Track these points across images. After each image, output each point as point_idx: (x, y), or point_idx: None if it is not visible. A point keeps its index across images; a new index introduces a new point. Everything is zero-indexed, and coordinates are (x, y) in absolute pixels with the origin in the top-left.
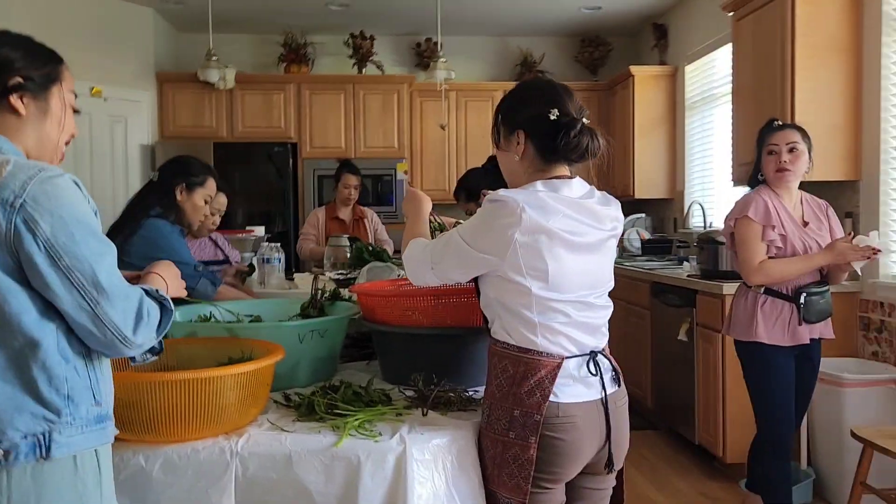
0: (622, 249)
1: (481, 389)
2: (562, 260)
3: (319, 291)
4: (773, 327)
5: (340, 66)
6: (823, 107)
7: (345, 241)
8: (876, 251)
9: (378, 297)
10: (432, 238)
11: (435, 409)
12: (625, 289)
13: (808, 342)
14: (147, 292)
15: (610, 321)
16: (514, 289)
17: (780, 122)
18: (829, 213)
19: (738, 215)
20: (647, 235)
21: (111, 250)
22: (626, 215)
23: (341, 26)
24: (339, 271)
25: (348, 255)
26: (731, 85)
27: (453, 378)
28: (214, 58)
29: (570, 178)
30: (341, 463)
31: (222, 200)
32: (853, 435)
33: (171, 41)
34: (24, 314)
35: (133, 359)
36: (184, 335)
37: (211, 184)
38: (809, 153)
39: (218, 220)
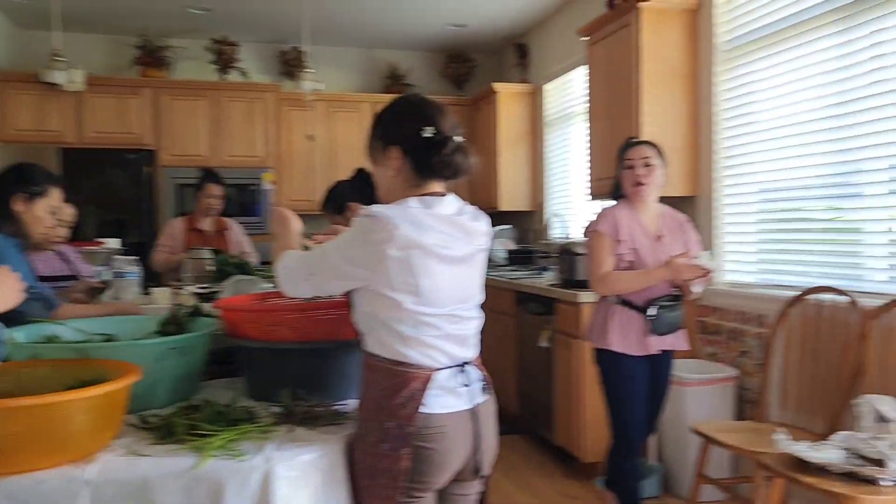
0: (489, 260)
1: (350, 403)
2: (434, 275)
3: (178, 307)
4: (625, 337)
5: (202, 72)
6: (667, 128)
7: (206, 254)
8: (707, 271)
9: (242, 311)
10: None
11: (303, 424)
12: (491, 298)
13: (656, 353)
14: None
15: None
16: (387, 303)
17: (637, 139)
18: (688, 227)
19: (591, 228)
20: (511, 246)
21: None
22: (491, 226)
23: (202, 30)
24: (201, 285)
25: (210, 267)
26: (586, 104)
27: (322, 393)
28: (61, 58)
29: (444, 194)
30: (203, 485)
31: (69, 211)
32: (694, 430)
33: (11, 38)
34: None
35: None
36: (26, 357)
37: (55, 193)
38: (665, 167)
39: (64, 232)
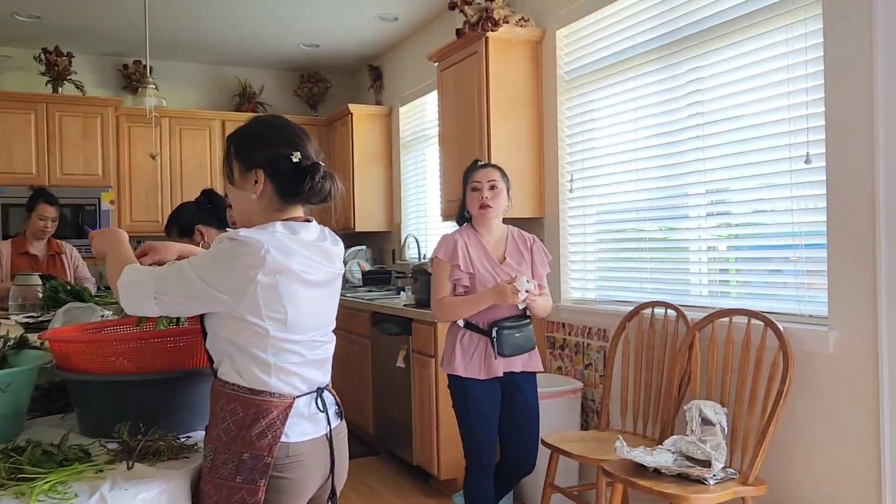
0: (344, 281)
1: (195, 434)
2: (300, 302)
3: (2, 339)
4: (470, 361)
5: (31, 83)
6: (514, 152)
7: (35, 279)
8: (528, 296)
9: (75, 343)
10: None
11: (142, 460)
12: (347, 319)
13: (500, 375)
14: None
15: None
16: (251, 330)
17: (483, 162)
18: (535, 248)
19: (433, 255)
20: (367, 267)
21: None
22: (347, 248)
23: (32, 39)
24: (29, 314)
25: (40, 294)
26: (438, 128)
27: (164, 425)
28: None
29: (308, 220)
30: None
31: None
32: (543, 442)
33: None
34: None
35: None
36: None
37: None
38: (508, 191)
39: None
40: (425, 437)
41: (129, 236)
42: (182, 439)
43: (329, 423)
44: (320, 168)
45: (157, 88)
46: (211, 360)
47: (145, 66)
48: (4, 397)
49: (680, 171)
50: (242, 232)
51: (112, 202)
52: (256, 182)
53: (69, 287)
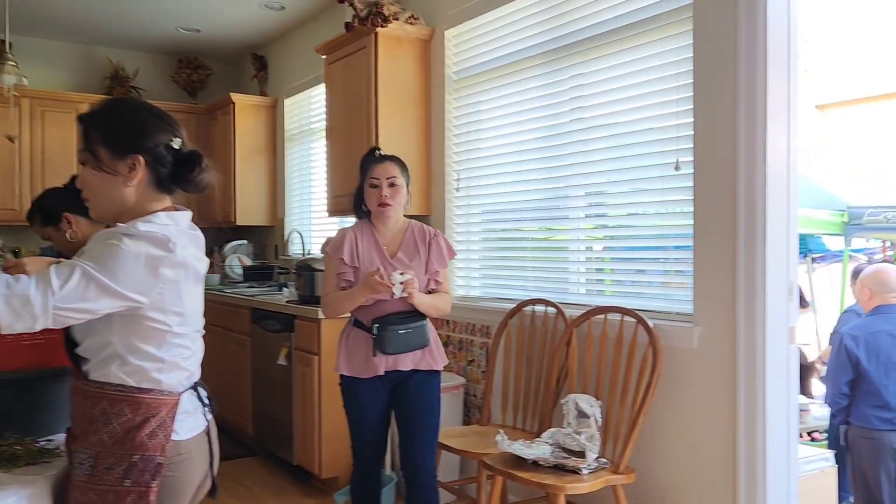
0: (223, 276)
1: (59, 438)
2: (192, 294)
3: None
4: (351, 359)
5: None
6: (402, 150)
7: None
8: (394, 285)
9: None
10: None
11: None
12: (225, 316)
13: (381, 373)
14: None
15: (209, 349)
16: (149, 327)
17: (381, 153)
18: (434, 243)
19: (325, 250)
20: (248, 262)
21: None
22: (227, 242)
23: None
24: None
25: None
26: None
27: (22, 428)
28: None
29: (185, 209)
30: None
31: None
32: None
33: None
34: None
35: None
36: None
37: None
38: (408, 186)
39: None
40: (307, 435)
41: None
42: (41, 443)
43: (206, 417)
44: (202, 157)
45: (16, 66)
46: (76, 363)
47: (3, 42)
48: None
49: (562, 174)
50: (142, 227)
51: None
52: (133, 169)
53: None
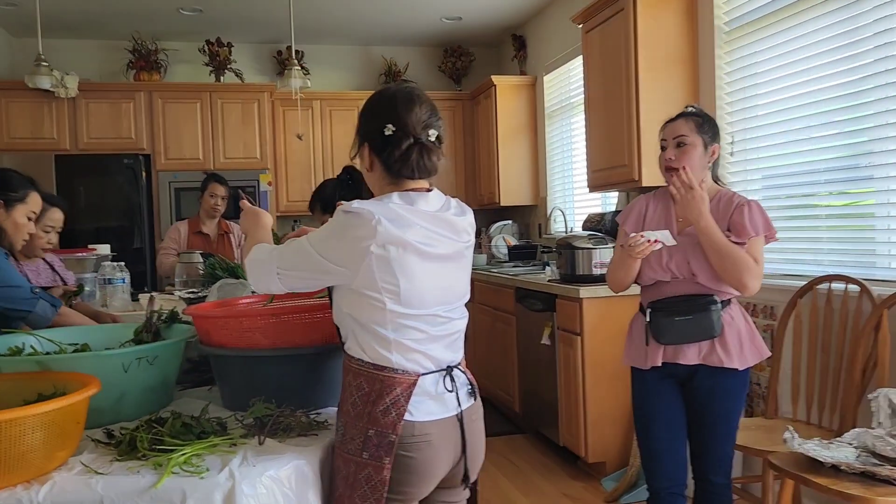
0: (490, 256)
1: (326, 411)
2: (416, 274)
3: (155, 314)
4: (633, 347)
5: (196, 74)
6: (667, 115)
7: (197, 257)
8: (650, 242)
9: (212, 318)
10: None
11: (273, 436)
12: (491, 295)
13: (659, 365)
14: None
15: (477, 328)
16: (368, 304)
17: (688, 109)
18: (737, 212)
19: None
20: (513, 241)
21: None
22: (492, 222)
23: (195, 32)
24: (191, 289)
25: (201, 271)
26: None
27: (299, 401)
28: (45, 63)
29: (428, 190)
30: None
31: (56, 217)
32: None
33: (3, 47)
34: None
35: None
36: None
37: (34, 199)
38: (710, 145)
39: (54, 237)
40: (572, 417)
41: (286, 216)
42: (312, 415)
43: (460, 404)
44: (403, 140)
45: (305, 71)
46: (340, 335)
47: (289, 49)
48: (152, 370)
49: (864, 126)
50: (356, 203)
51: (270, 183)
52: (364, 157)
53: (225, 264)
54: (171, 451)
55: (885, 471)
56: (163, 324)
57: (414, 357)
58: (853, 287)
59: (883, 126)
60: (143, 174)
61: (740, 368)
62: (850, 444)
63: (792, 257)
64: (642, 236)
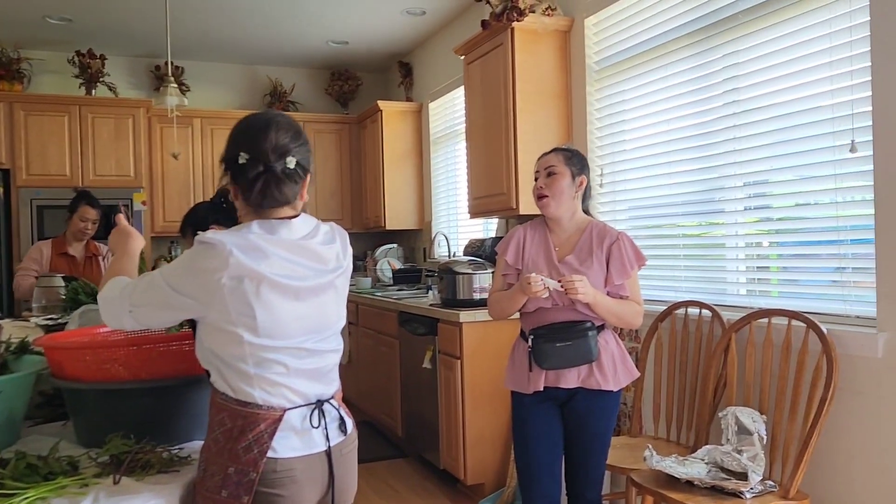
0: (375, 279)
1: (190, 445)
2: (274, 306)
3: (2, 344)
4: (514, 371)
5: (64, 86)
6: (542, 147)
7: (59, 281)
8: (564, 283)
9: (65, 350)
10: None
11: (131, 474)
12: (374, 318)
13: (541, 389)
14: None
15: (360, 352)
16: (226, 338)
17: (560, 146)
18: (615, 248)
19: None
20: (397, 265)
21: None
22: (377, 245)
23: (64, 42)
24: (50, 315)
25: (62, 296)
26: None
27: (162, 435)
28: None
29: (293, 216)
30: None
31: None
32: None
33: None
34: None
35: None
36: None
37: None
38: (577, 176)
39: None
40: (452, 440)
41: (162, 237)
42: (174, 451)
43: (328, 439)
44: (253, 169)
45: (185, 87)
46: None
47: (167, 65)
48: None
49: (716, 164)
50: (209, 234)
51: (144, 203)
52: (228, 183)
53: (90, 289)
54: (12, 495)
55: (732, 484)
56: (11, 355)
57: (279, 391)
58: (706, 312)
59: (731, 164)
60: (1, 190)
61: (615, 390)
62: (703, 460)
63: (654, 283)
64: (541, 280)
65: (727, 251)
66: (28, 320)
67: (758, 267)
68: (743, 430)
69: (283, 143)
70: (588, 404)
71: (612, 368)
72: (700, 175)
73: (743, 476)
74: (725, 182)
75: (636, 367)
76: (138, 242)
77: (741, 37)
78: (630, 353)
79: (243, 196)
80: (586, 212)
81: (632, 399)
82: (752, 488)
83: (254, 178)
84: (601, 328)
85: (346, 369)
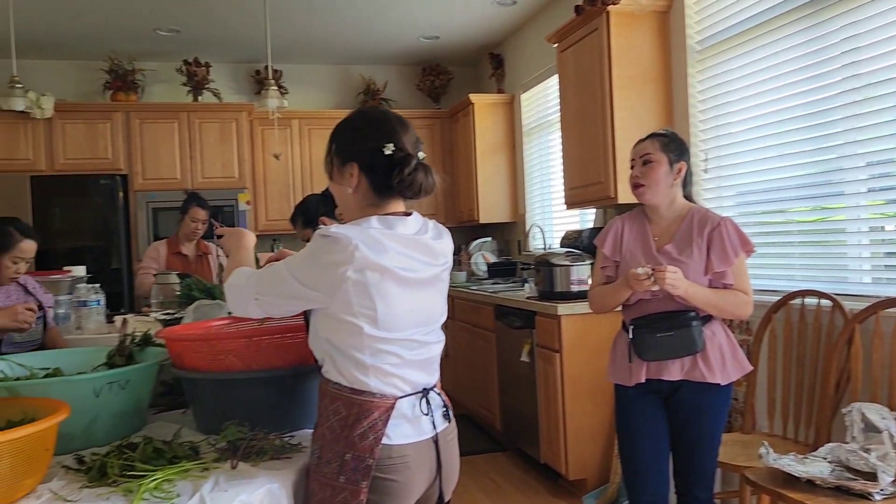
0: (469, 273)
1: (300, 433)
2: (393, 299)
3: (128, 337)
4: (615, 363)
5: (174, 94)
6: (640, 132)
7: (174, 278)
8: (655, 270)
9: (184, 341)
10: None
11: (247, 459)
12: (471, 312)
13: (642, 381)
14: None
15: (457, 346)
16: (345, 329)
17: (657, 131)
18: (716, 233)
19: None
20: (492, 259)
21: None
22: (471, 240)
23: (173, 53)
24: (167, 311)
25: (177, 292)
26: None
27: (272, 423)
28: (19, 84)
29: (407, 214)
30: None
31: (27, 247)
32: None
33: None
34: None
35: None
36: None
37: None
38: (675, 163)
39: (23, 268)
40: (552, 434)
41: (265, 235)
42: (286, 438)
43: (435, 426)
44: (412, 160)
45: (283, 90)
46: (315, 359)
47: (267, 69)
48: (124, 394)
49: (833, 143)
50: (333, 228)
51: (248, 202)
52: (352, 176)
53: (202, 285)
54: (142, 476)
55: (859, 485)
56: (136, 347)
57: (391, 381)
58: (826, 302)
59: (852, 143)
60: (121, 194)
61: (723, 384)
62: (825, 459)
63: (766, 273)
64: (650, 277)
65: (848, 236)
66: (147, 315)
67: (885, 253)
68: (870, 428)
69: (416, 136)
70: (694, 398)
71: (720, 361)
72: (815, 156)
73: (871, 476)
74: (845, 163)
75: (748, 360)
76: (250, 239)
77: (861, 6)
78: (741, 346)
79: (376, 187)
80: (689, 198)
81: (744, 394)
82: (882, 489)
83: (412, 167)
84: (708, 318)
85: (443, 363)
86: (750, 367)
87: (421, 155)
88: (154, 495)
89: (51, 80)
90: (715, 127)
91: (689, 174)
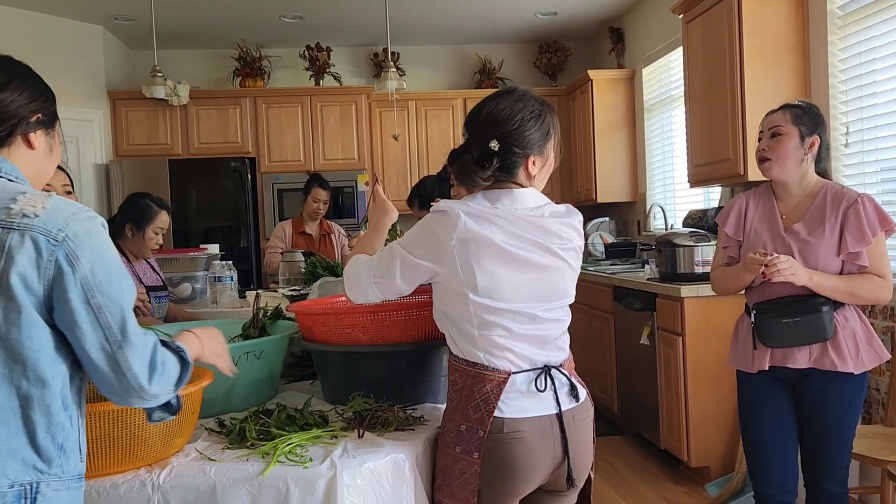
0: (587, 254)
1: (423, 407)
2: (492, 268)
3: (261, 310)
4: (738, 349)
5: (297, 79)
6: (772, 105)
7: (299, 256)
8: (767, 264)
9: (314, 315)
10: None
11: (372, 429)
12: (587, 293)
13: (765, 368)
14: (163, 343)
15: (573, 327)
16: (455, 299)
17: (791, 102)
18: (852, 210)
19: None
20: (610, 239)
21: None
22: (589, 219)
23: (296, 39)
24: (293, 287)
25: (302, 270)
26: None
27: (396, 396)
28: (160, 74)
29: (518, 186)
30: (269, 492)
31: (164, 219)
32: None
33: (122, 59)
34: (42, 352)
35: (149, 416)
36: None
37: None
38: (807, 136)
39: (161, 239)
40: (673, 420)
41: None
42: (409, 411)
43: (559, 404)
44: (505, 150)
45: (400, 72)
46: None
47: (386, 52)
48: (259, 364)
49: None
50: (442, 202)
51: (367, 183)
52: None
53: (326, 263)
54: (277, 440)
55: None
56: (268, 320)
57: (503, 354)
58: None
59: None
60: (249, 176)
61: (856, 373)
62: None
63: None
64: (776, 265)
65: None
66: (276, 291)
67: None
68: None
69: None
70: (823, 387)
71: (854, 349)
72: None
73: None
74: None
75: (887, 348)
76: (390, 217)
77: None
78: (884, 334)
79: (480, 177)
80: (823, 175)
81: (886, 385)
82: None
83: (495, 159)
84: (840, 304)
85: None
86: (888, 356)
87: (492, 144)
88: (289, 458)
89: (185, 68)
90: (857, 98)
91: (823, 149)
